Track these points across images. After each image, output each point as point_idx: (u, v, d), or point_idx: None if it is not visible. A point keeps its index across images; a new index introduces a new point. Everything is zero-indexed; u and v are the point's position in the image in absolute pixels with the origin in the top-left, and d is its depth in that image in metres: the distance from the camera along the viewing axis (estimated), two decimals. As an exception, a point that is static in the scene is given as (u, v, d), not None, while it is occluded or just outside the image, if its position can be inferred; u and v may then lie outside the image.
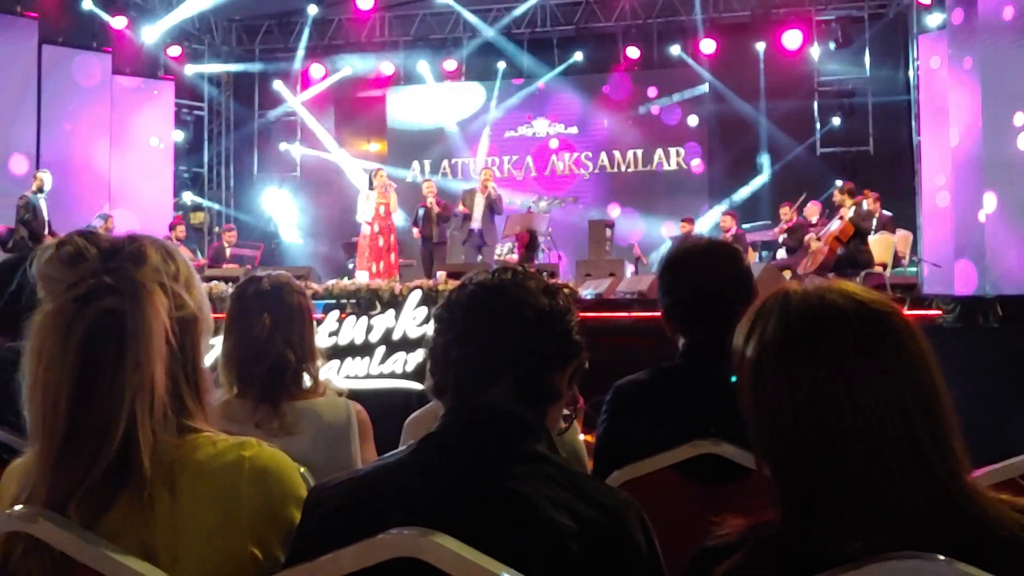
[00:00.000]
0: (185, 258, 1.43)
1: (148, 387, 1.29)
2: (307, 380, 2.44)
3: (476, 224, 11.24)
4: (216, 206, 16.30)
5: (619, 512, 1.27)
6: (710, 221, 14.05)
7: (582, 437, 2.44)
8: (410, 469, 1.33)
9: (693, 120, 15.14)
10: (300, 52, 16.05)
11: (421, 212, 11.62)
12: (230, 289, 7.06)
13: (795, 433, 1.14)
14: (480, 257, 11.03)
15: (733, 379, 2.00)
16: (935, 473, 1.09)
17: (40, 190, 10.79)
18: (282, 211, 16.31)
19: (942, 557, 0.99)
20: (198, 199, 16.03)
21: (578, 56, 15.28)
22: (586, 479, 1.35)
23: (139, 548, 1.25)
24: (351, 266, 11.70)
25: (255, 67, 16.39)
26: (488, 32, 15.41)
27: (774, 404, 1.16)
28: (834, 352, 1.13)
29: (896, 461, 1.09)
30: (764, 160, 14.47)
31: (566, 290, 1.48)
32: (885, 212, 10.78)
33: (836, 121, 14.34)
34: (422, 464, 1.34)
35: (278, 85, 16.30)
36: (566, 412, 1.49)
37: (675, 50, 14.97)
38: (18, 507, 1.27)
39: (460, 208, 11.62)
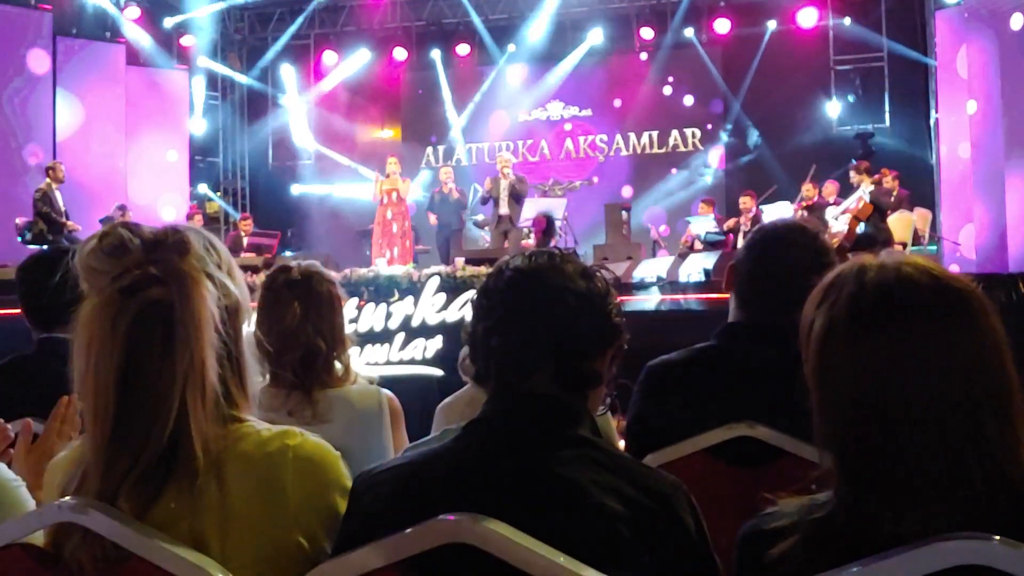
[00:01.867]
0: (225, 247, 1.44)
1: (199, 375, 1.29)
2: (338, 368, 2.45)
3: (503, 210, 11.23)
4: (227, 204, 16.30)
5: (668, 495, 1.27)
6: (729, 201, 13.96)
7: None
8: (457, 456, 1.34)
9: (709, 100, 15.05)
10: (311, 40, 16.04)
11: (437, 198, 11.62)
12: (250, 277, 7.08)
13: (857, 405, 1.13)
14: (507, 243, 11.02)
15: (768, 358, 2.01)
16: (995, 455, 1.08)
17: (56, 181, 10.83)
18: (298, 199, 16.32)
19: (998, 538, 0.99)
20: (213, 190, 16.05)
21: (592, 38, 15.19)
22: (632, 463, 1.35)
23: (189, 538, 1.26)
24: (368, 253, 11.73)
25: (268, 56, 16.36)
26: (500, 16, 15.36)
27: (839, 375, 1.15)
28: (906, 325, 1.12)
29: (958, 440, 1.08)
30: (780, 139, 14.35)
31: (602, 269, 1.47)
32: (903, 190, 10.71)
33: (851, 98, 14.23)
34: (468, 451, 1.34)
35: (287, 74, 16.24)
36: (605, 394, 1.49)
37: (689, 32, 14.86)
38: (68, 498, 1.29)
39: (481, 194, 11.62)
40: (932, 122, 12.80)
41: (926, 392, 1.09)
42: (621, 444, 2.29)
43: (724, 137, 15.01)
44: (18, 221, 10.90)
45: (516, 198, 11.17)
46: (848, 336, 1.14)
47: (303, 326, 2.38)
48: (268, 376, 2.41)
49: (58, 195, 10.83)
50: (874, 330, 1.13)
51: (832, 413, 1.17)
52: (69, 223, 10.68)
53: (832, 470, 1.18)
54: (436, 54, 15.80)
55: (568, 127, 15.68)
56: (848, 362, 1.14)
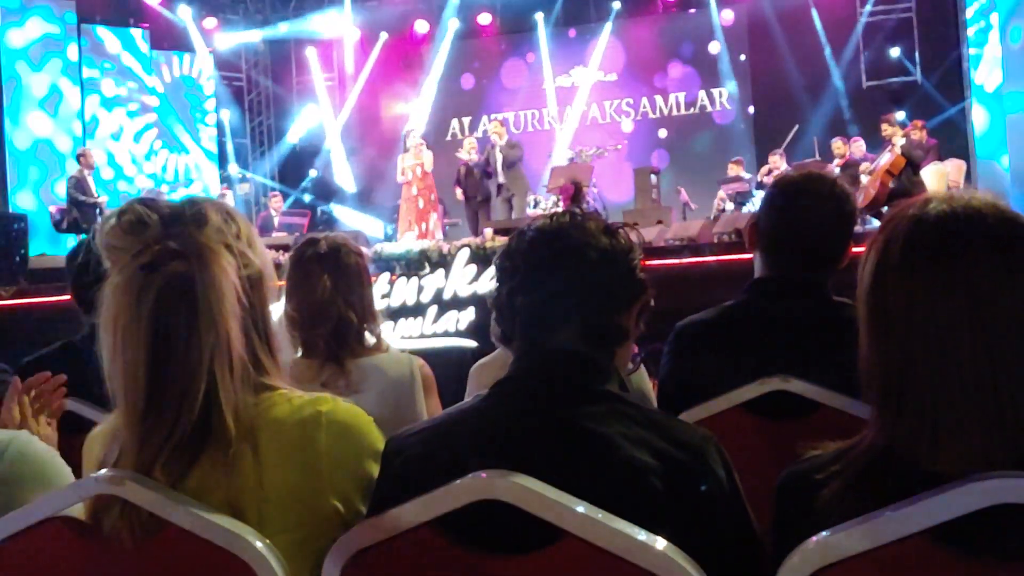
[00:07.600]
0: (245, 217, 1.44)
1: (225, 346, 1.30)
2: (369, 339, 2.46)
3: (500, 179, 11.21)
4: (260, 176, 16.35)
5: (699, 447, 1.26)
6: (759, 159, 13.80)
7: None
8: (486, 414, 1.34)
9: (736, 59, 14.84)
10: (331, 16, 15.97)
11: (463, 170, 11.57)
12: (281, 257, 7.13)
13: (907, 333, 1.11)
14: (513, 211, 10.99)
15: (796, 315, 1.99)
16: None
17: (87, 167, 10.92)
18: (326, 177, 16.33)
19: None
20: (243, 170, 16.08)
21: (614, 3, 15.03)
22: (660, 416, 1.34)
23: (225, 506, 1.27)
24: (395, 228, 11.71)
25: (290, 34, 16.30)
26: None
27: (892, 300, 1.13)
28: (966, 256, 1.09)
29: (1005, 377, 1.06)
30: (809, 96, 14.13)
31: (627, 228, 1.46)
32: (931, 139, 10.51)
33: (884, 52, 13.96)
34: (497, 408, 1.34)
35: (310, 53, 16.21)
36: (634, 352, 1.48)
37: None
38: (105, 471, 1.30)
39: (487, 166, 11.58)
40: (964, 71, 12.53)
41: (979, 325, 1.07)
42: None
43: (750, 94, 14.80)
44: (52, 209, 11.03)
45: (509, 165, 11.13)
46: (904, 262, 1.12)
47: (333, 298, 2.40)
48: (300, 349, 2.43)
49: (91, 181, 10.91)
50: (932, 257, 1.11)
51: (880, 340, 1.14)
52: (102, 200, 10.75)
53: (872, 410, 1.16)
54: (457, 23, 15.68)
55: (593, 93, 15.53)
56: (902, 288, 1.12)
